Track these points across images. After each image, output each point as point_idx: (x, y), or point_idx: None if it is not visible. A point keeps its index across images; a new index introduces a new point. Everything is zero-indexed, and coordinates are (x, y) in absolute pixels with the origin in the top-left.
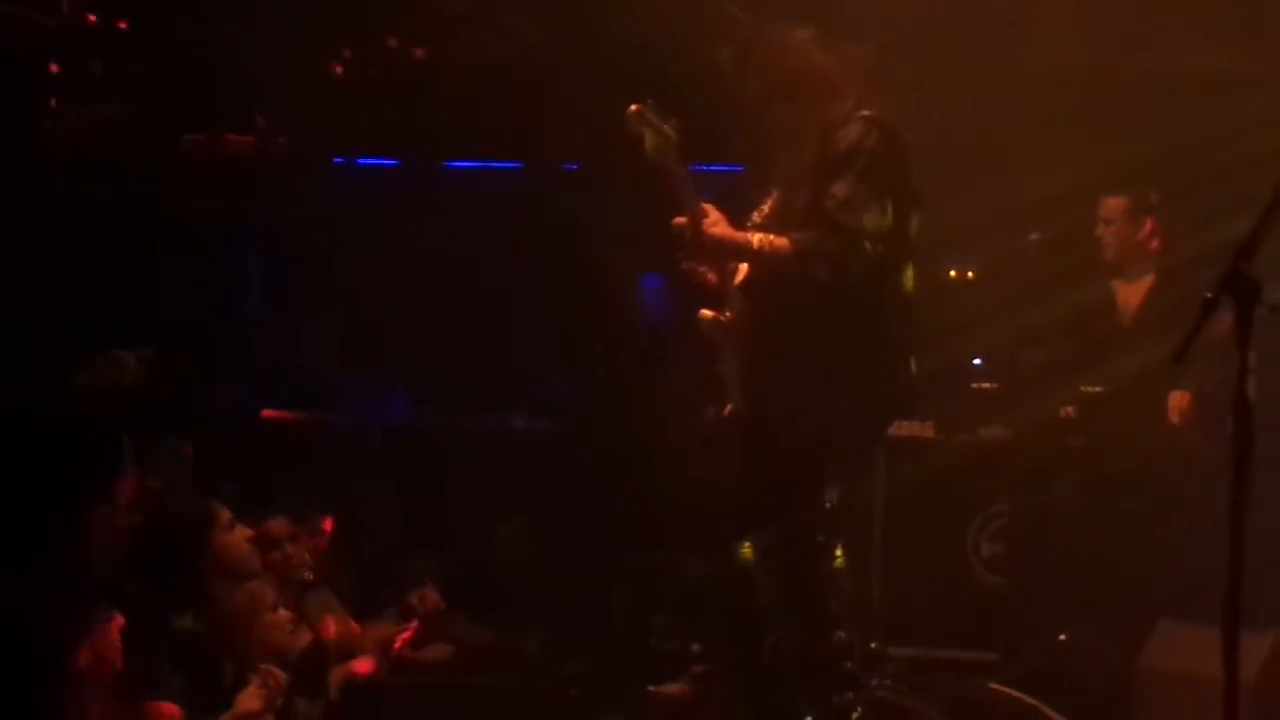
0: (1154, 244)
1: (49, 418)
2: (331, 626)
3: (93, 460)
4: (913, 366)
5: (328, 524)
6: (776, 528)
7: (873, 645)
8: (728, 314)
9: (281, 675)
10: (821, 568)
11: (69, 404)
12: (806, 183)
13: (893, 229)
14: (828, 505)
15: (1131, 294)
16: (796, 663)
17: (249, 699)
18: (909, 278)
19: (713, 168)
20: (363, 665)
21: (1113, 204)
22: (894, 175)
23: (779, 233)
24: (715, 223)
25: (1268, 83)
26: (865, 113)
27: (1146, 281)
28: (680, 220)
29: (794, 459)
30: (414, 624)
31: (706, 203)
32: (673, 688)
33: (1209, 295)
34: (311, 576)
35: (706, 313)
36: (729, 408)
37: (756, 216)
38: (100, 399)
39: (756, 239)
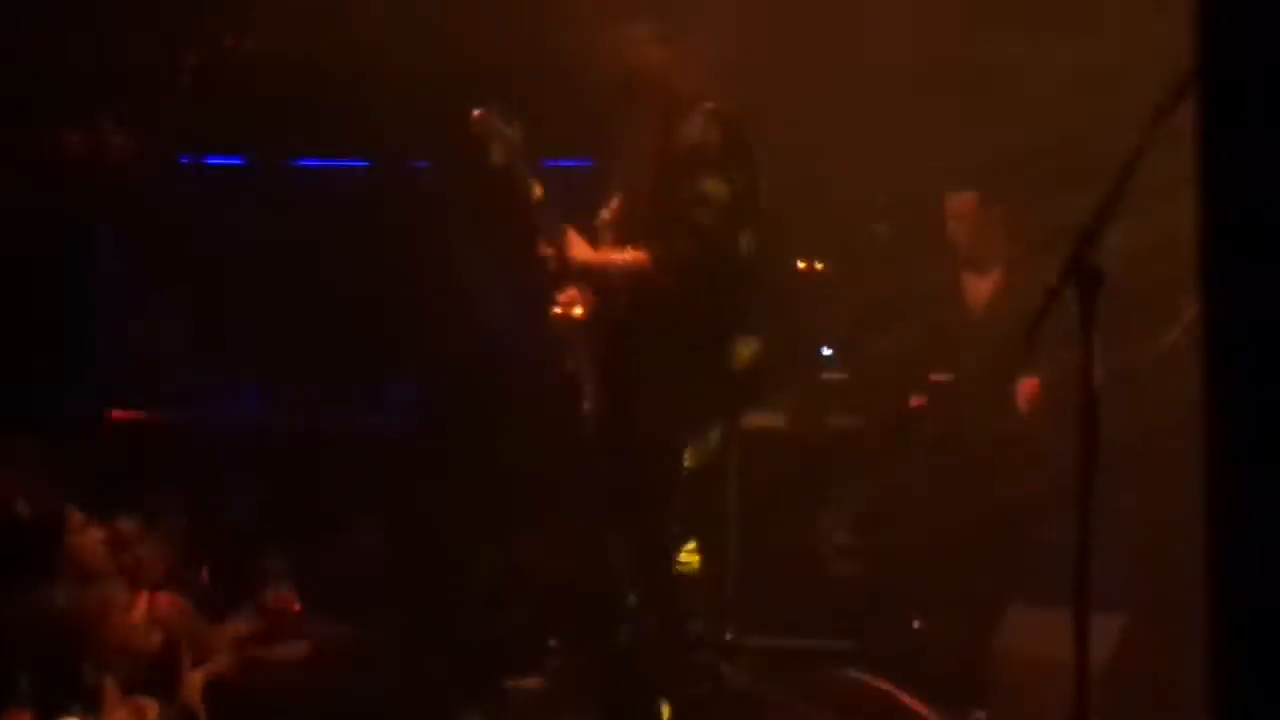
0: (1002, 238)
1: None
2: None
3: None
4: (754, 346)
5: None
6: (631, 521)
7: (728, 636)
8: (577, 310)
9: (153, 707)
10: (675, 560)
11: None
12: (648, 179)
13: (747, 226)
14: (681, 497)
15: (981, 285)
16: (652, 655)
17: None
18: (747, 242)
19: (561, 162)
20: (216, 666)
21: (960, 201)
22: (739, 166)
23: (625, 231)
24: (575, 247)
25: (1107, 74)
26: (707, 105)
27: (995, 273)
28: (545, 250)
29: (648, 453)
30: (265, 621)
31: (551, 196)
32: (529, 681)
33: (1053, 284)
34: (162, 577)
35: (557, 310)
36: (584, 405)
37: (606, 214)
38: None
39: (618, 258)
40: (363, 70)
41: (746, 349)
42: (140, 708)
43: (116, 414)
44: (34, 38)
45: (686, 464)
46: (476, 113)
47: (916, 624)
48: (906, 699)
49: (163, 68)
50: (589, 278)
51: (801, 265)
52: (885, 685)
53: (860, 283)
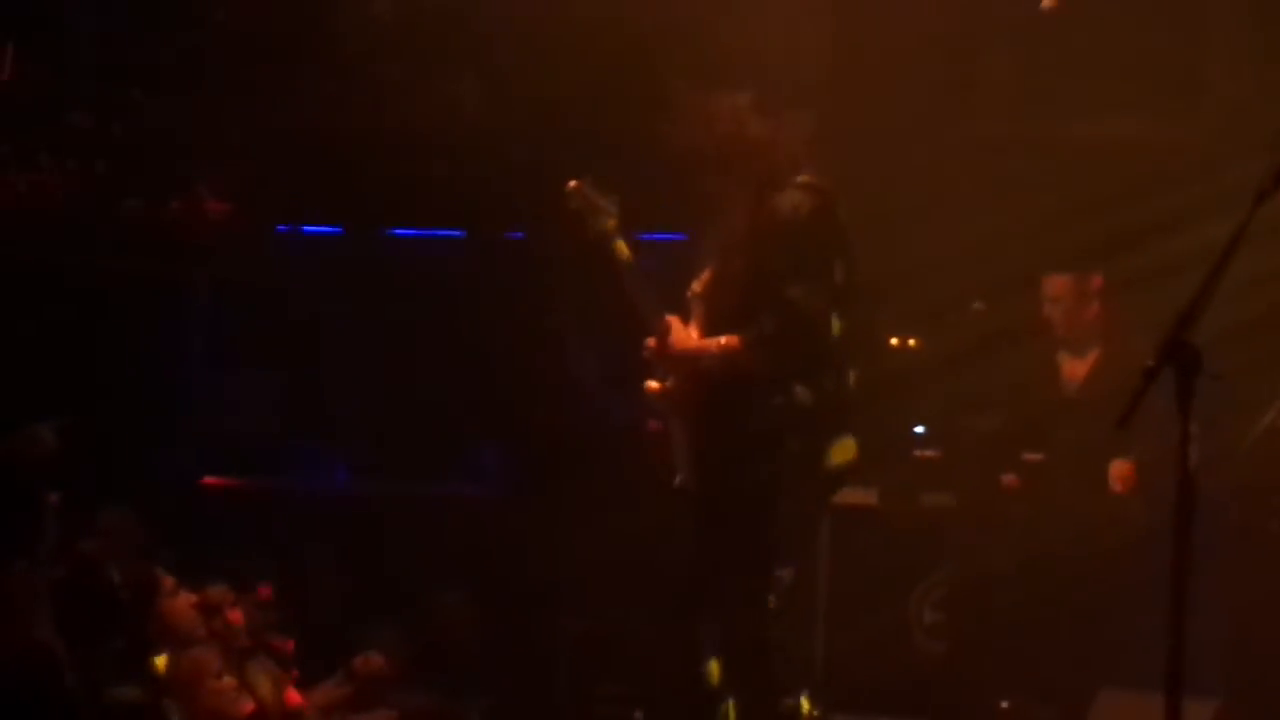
0: (1100, 320)
1: None
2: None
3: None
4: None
5: (266, 590)
6: (729, 594)
7: (817, 714)
8: (669, 382)
9: None
10: (770, 634)
11: None
12: (740, 250)
13: (830, 302)
14: (777, 572)
15: (1077, 366)
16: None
17: None
18: (835, 326)
19: (657, 236)
20: None
21: (1057, 282)
22: (831, 243)
23: (715, 304)
24: (675, 336)
25: (1206, 152)
26: (803, 179)
27: (1092, 354)
28: (650, 342)
29: (743, 525)
30: (354, 688)
31: (648, 271)
32: None
33: (1150, 364)
34: (251, 643)
35: (652, 384)
36: (678, 479)
37: (696, 286)
38: (14, 467)
39: (714, 346)
40: (459, 140)
41: (843, 452)
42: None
43: (208, 479)
44: (135, 105)
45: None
46: (573, 184)
47: (1004, 704)
48: None
49: (261, 137)
50: (689, 364)
51: (895, 342)
52: None
53: (955, 361)
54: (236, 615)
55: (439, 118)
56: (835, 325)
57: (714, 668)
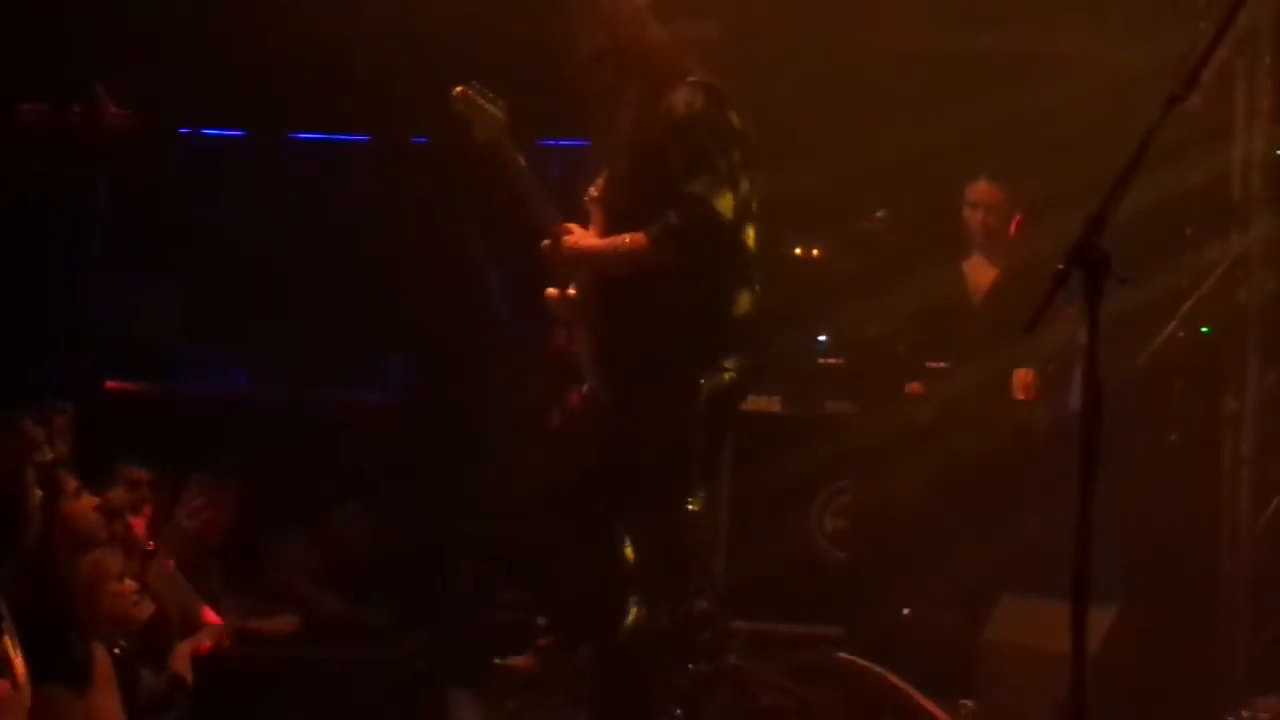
0: (1015, 234)
1: None
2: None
3: None
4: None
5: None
6: (647, 500)
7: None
8: (572, 290)
9: None
10: (690, 538)
11: None
12: (635, 151)
13: (733, 192)
14: (694, 475)
15: (983, 275)
16: (661, 633)
17: None
18: (750, 236)
19: (558, 142)
20: (207, 636)
21: (987, 189)
22: (727, 139)
23: (612, 206)
24: (574, 237)
25: (1115, 64)
26: (692, 78)
27: (999, 265)
28: (545, 244)
29: (657, 431)
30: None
31: (552, 178)
32: (519, 660)
33: (1060, 267)
34: (154, 546)
35: (552, 291)
36: (585, 386)
37: (593, 190)
38: None
39: (621, 242)
40: (365, 44)
41: (745, 299)
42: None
43: (111, 384)
44: (33, 12)
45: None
46: (457, 90)
47: (905, 611)
48: (897, 682)
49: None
50: (589, 264)
51: (798, 251)
52: (876, 668)
53: (857, 269)
54: (138, 519)
55: (343, 18)
56: (749, 234)
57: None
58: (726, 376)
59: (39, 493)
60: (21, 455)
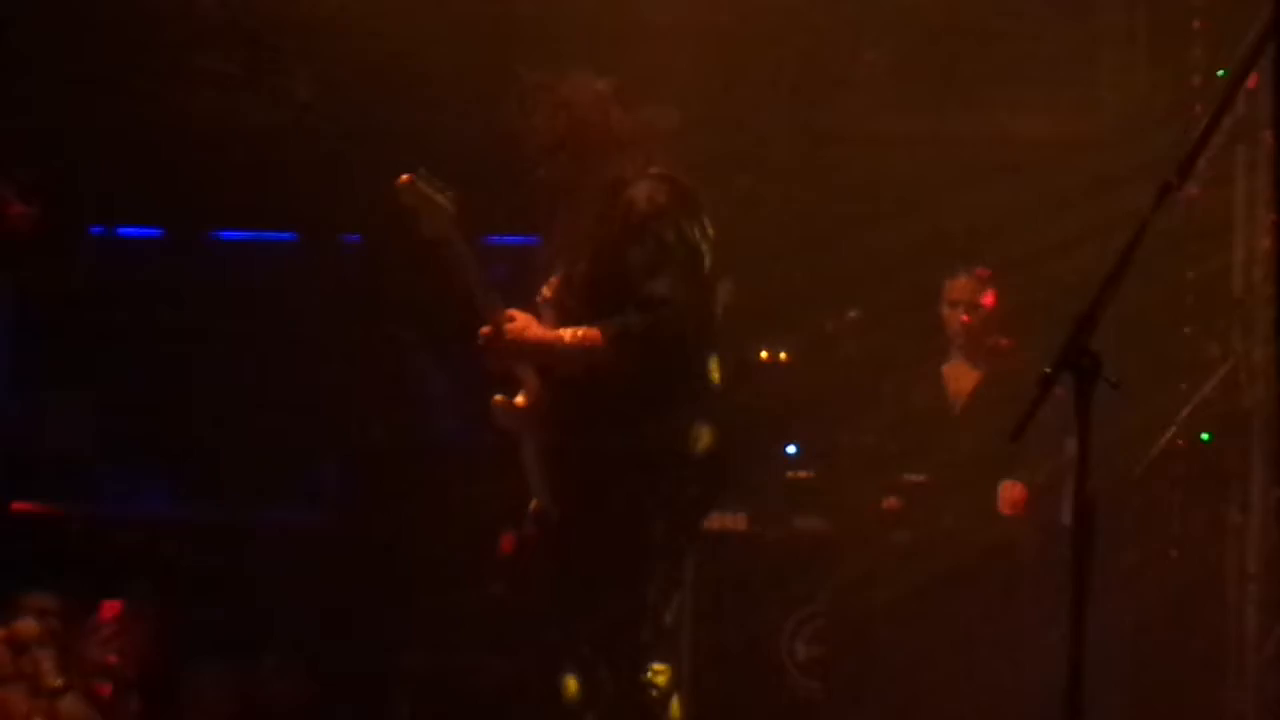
0: (993, 331)
1: None
2: None
3: None
4: (710, 434)
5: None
6: (598, 623)
7: None
8: (520, 398)
9: None
10: (648, 670)
11: None
12: (592, 250)
13: (698, 298)
14: (648, 602)
15: (963, 380)
16: None
17: None
18: (714, 368)
19: (507, 239)
20: None
21: (960, 284)
22: (689, 235)
23: (567, 308)
24: (520, 324)
25: (1101, 149)
26: (654, 170)
27: (981, 368)
28: (484, 330)
29: (609, 554)
30: None
31: (500, 278)
32: None
33: (1048, 370)
34: (63, 683)
35: (499, 398)
36: (534, 503)
37: (547, 291)
38: None
39: (568, 335)
40: (295, 135)
41: (705, 435)
42: None
43: (16, 505)
44: None
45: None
46: (404, 178)
47: None
48: None
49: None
50: (535, 357)
51: (764, 355)
52: None
53: (828, 374)
54: (46, 653)
55: (267, 111)
56: (713, 364)
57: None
58: (689, 491)
59: None
60: None
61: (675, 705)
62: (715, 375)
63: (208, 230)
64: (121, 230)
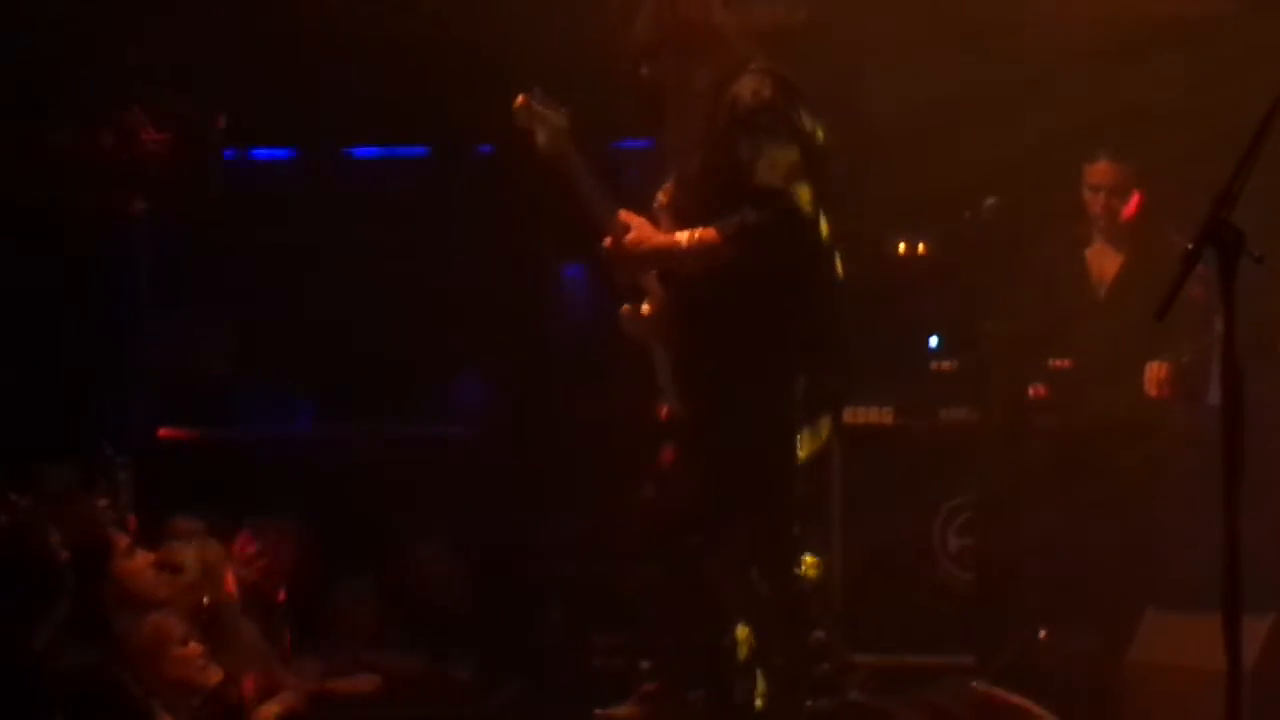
0: (1136, 215)
1: None
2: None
3: None
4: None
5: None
6: (746, 526)
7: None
8: (646, 306)
9: None
10: (797, 563)
11: None
12: (702, 148)
13: (812, 189)
14: (799, 492)
15: (1108, 263)
16: (773, 668)
17: None
18: (837, 264)
19: (623, 144)
20: (283, 701)
21: (1108, 169)
22: (799, 125)
23: (684, 210)
24: (637, 233)
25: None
26: (756, 65)
27: (1125, 251)
28: (607, 241)
29: (746, 454)
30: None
31: (628, 184)
32: (622, 710)
33: (1190, 246)
34: (215, 604)
35: (626, 308)
36: (665, 409)
37: (662, 196)
38: None
39: (685, 239)
40: (421, 52)
41: (835, 326)
42: None
43: (163, 432)
44: (61, 35)
45: (800, 454)
46: (519, 99)
47: (1042, 634)
48: (1039, 712)
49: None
50: (655, 263)
51: (902, 248)
52: (1015, 698)
53: (969, 264)
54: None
55: (395, 25)
56: (823, 226)
57: (741, 635)
58: (825, 383)
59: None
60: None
61: (828, 597)
62: (839, 268)
63: (339, 149)
64: (254, 152)
